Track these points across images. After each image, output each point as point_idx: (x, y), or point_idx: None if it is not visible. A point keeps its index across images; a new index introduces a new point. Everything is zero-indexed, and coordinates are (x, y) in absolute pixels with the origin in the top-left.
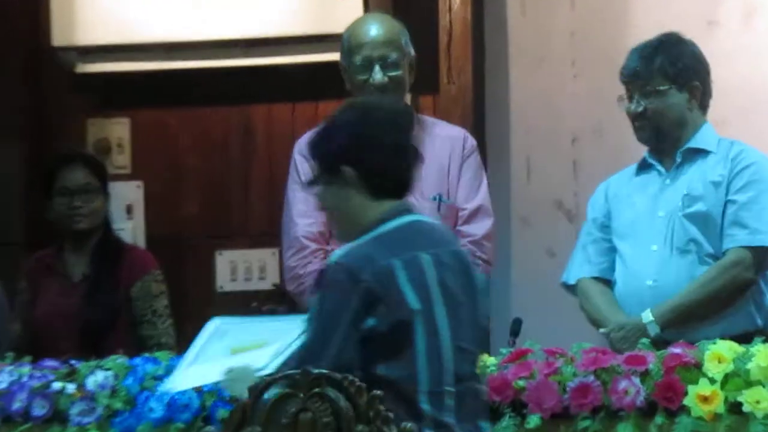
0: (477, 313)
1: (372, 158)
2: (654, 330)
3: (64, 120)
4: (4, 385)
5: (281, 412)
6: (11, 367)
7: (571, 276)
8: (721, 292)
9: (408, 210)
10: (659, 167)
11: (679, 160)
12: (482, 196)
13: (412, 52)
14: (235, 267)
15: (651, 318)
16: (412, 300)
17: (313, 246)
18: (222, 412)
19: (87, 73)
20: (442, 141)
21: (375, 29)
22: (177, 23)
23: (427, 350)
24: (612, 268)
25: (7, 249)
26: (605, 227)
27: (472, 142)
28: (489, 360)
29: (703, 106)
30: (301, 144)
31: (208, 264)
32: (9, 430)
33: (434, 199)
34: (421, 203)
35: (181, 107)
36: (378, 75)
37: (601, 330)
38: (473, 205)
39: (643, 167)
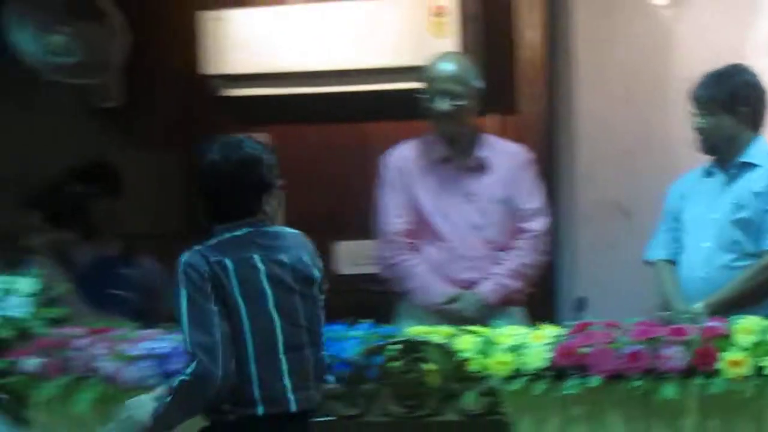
0: (313, 296)
1: (217, 193)
2: (704, 320)
3: (211, 135)
4: (165, 350)
5: (391, 371)
6: (171, 335)
7: (651, 255)
8: (759, 287)
9: (248, 224)
10: (719, 175)
11: (734, 171)
12: (539, 200)
13: (479, 84)
14: (351, 254)
15: (702, 309)
16: (237, 289)
17: (402, 240)
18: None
19: (231, 96)
20: (504, 156)
21: (447, 66)
22: (305, 55)
23: (252, 329)
24: (680, 252)
25: (167, 239)
26: (676, 219)
27: (528, 156)
28: (556, 330)
29: (756, 126)
30: (388, 156)
31: (329, 251)
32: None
33: (499, 202)
34: (490, 206)
35: (309, 124)
36: (443, 104)
37: (665, 313)
38: (532, 206)
39: (708, 174)
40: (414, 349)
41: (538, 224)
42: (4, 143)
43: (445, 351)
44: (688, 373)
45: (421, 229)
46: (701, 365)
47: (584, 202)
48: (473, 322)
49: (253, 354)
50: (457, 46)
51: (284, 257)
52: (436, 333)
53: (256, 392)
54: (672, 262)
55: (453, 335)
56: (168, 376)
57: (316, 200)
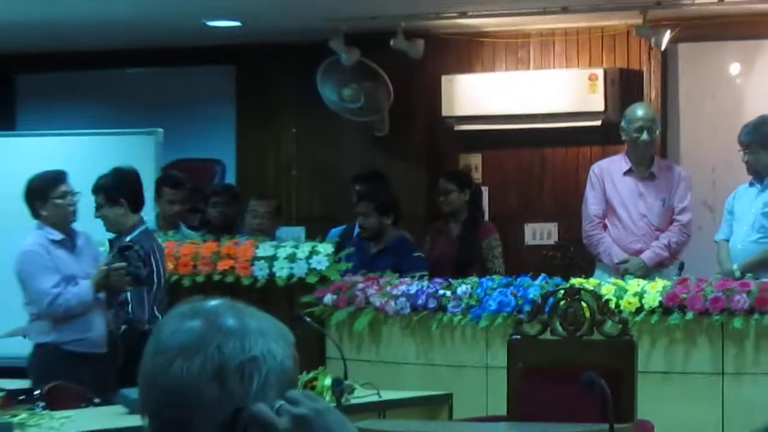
0: None
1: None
2: (738, 274)
3: (446, 156)
4: (413, 290)
5: (557, 309)
6: (417, 282)
7: (717, 237)
8: None
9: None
10: (757, 186)
11: (766, 183)
12: (687, 201)
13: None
14: (535, 233)
15: (736, 268)
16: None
17: (598, 220)
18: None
19: (460, 130)
20: (666, 171)
21: (647, 112)
22: (507, 104)
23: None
24: (732, 234)
25: (417, 223)
26: (731, 213)
27: (683, 172)
28: (664, 283)
29: None
30: (594, 167)
31: (522, 230)
32: (415, 315)
33: (663, 201)
34: (654, 202)
35: (508, 149)
36: (644, 136)
37: (721, 270)
38: (681, 205)
39: (750, 185)
40: (573, 293)
41: (684, 217)
42: (318, 157)
43: (594, 294)
44: (749, 311)
45: (609, 214)
46: (759, 306)
47: None
48: (637, 276)
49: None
50: (603, 100)
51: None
52: (589, 283)
53: None
54: (727, 241)
55: (599, 285)
56: (414, 308)
57: (512, 197)
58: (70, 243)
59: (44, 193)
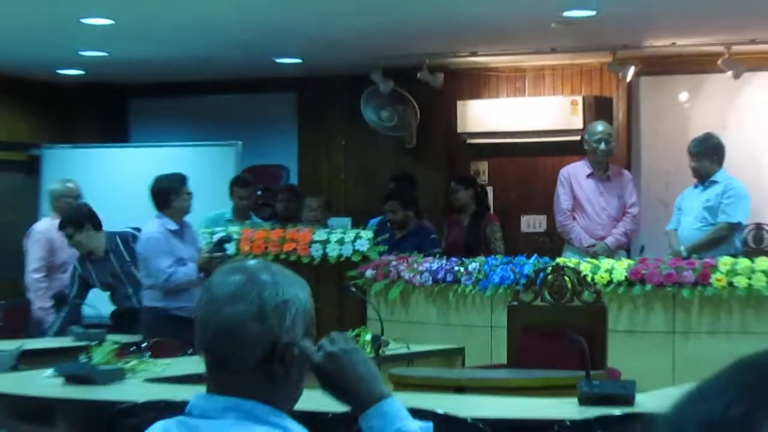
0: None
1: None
2: (685, 254)
3: (460, 163)
4: (434, 267)
5: (546, 282)
6: (438, 260)
7: (669, 227)
8: (714, 240)
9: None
10: (700, 187)
11: (707, 184)
12: (635, 198)
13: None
14: (529, 222)
15: (683, 249)
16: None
17: (569, 213)
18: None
19: (471, 143)
20: (619, 175)
21: (604, 128)
22: (507, 121)
23: None
24: (680, 225)
25: (437, 215)
26: (679, 209)
27: (629, 175)
28: (629, 261)
29: (719, 163)
30: (563, 171)
31: (518, 220)
32: (436, 287)
33: (618, 198)
34: (612, 199)
35: (508, 157)
36: (602, 146)
37: (672, 252)
38: (631, 201)
39: (695, 186)
40: (559, 269)
41: (634, 210)
42: (361, 164)
43: (574, 270)
44: (695, 284)
45: (576, 208)
46: (702, 280)
47: (646, 199)
48: (604, 256)
49: None
50: (582, 120)
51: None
52: (570, 262)
53: None
54: (676, 230)
55: (578, 263)
56: (435, 281)
57: (511, 195)
58: (181, 232)
59: (176, 191)
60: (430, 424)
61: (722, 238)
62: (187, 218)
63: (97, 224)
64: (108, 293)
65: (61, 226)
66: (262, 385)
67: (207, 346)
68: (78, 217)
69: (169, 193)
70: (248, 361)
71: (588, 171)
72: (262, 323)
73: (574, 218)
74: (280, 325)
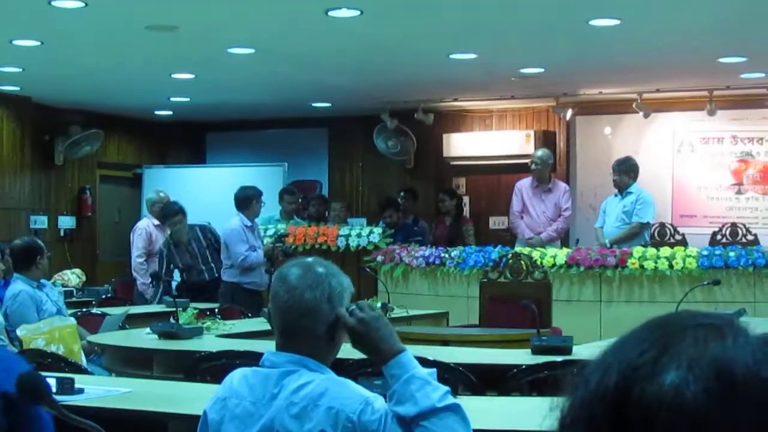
0: None
1: None
2: (608, 245)
3: (444, 179)
4: (427, 254)
5: (509, 263)
6: (425, 249)
7: (596, 225)
8: (629, 235)
9: None
10: (619, 196)
11: (624, 194)
12: (568, 204)
13: (551, 160)
14: (495, 222)
15: (607, 242)
16: None
17: (518, 214)
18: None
19: (454, 165)
20: (558, 187)
21: (539, 153)
22: (479, 149)
23: None
24: (605, 223)
25: (429, 217)
26: (604, 212)
27: (566, 187)
28: (567, 250)
29: (635, 179)
30: (516, 184)
31: (487, 220)
32: (428, 268)
33: (555, 204)
34: (550, 205)
35: (481, 175)
36: (533, 167)
37: (599, 243)
38: (565, 206)
39: (615, 195)
40: (517, 255)
41: (567, 213)
42: (373, 179)
43: (527, 256)
44: (615, 266)
45: (524, 212)
46: (620, 263)
47: (580, 204)
48: (539, 246)
49: None
50: (533, 148)
51: None
52: (524, 250)
53: None
54: (602, 227)
55: (531, 250)
56: (428, 264)
57: (482, 202)
58: (252, 228)
59: (256, 198)
60: (434, 371)
61: (635, 234)
62: None
63: (185, 216)
64: (181, 271)
65: (172, 214)
66: (319, 347)
67: (288, 320)
68: (181, 208)
69: (251, 199)
70: (318, 330)
71: (535, 184)
72: (330, 304)
73: (522, 218)
74: (339, 304)
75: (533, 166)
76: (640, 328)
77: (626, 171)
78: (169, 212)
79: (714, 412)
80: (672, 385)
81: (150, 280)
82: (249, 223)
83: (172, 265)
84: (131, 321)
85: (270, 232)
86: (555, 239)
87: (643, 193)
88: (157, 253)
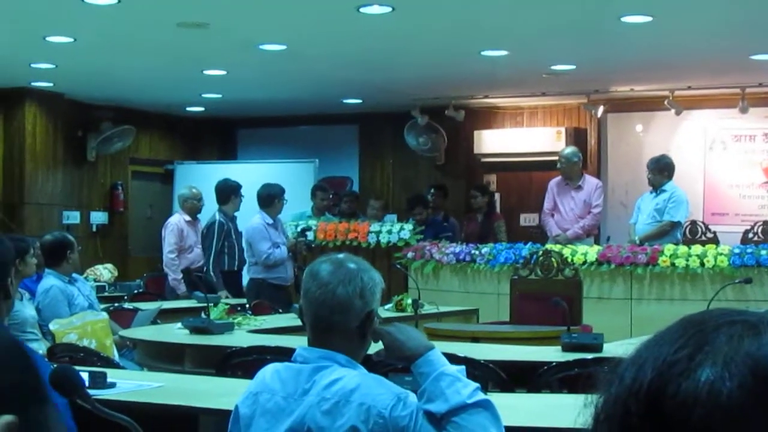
0: None
1: None
2: (639, 242)
3: (476, 176)
4: (457, 250)
5: (538, 261)
6: (454, 244)
7: (631, 221)
8: (660, 233)
9: None
10: (654, 193)
11: (659, 192)
12: (599, 201)
13: (576, 158)
14: (525, 219)
15: (637, 238)
16: None
17: (549, 212)
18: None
19: (484, 162)
20: (589, 183)
21: (567, 151)
22: (511, 145)
23: None
24: (638, 220)
25: (459, 213)
26: (638, 208)
27: (598, 183)
28: (597, 248)
29: (670, 177)
30: (551, 182)
31: (518, 217)
32: (458, 264)
33: (584, 201)
34: (580, 202)
35: (512, 172)
36: (559, 165)
37: (630, 240)
38: (595, 203)
39: (650, 192)
40: (547, 252)
41: (596, 210)
42: (404, 176)
43: (558, 253)
44: (646, 264)
45: (554, 209)
46: (651, 261)
47: (610, 202)
48: (565, 244)
49: None
50: (564, 145)
51: None
52: (555, 247)
53: None
54: (635, 224)
55: (562, 248)
56: (458, 260)
57: (513, 199)
58: (275, 224)
59: (278, 196)
60: (462, 367)
61: (666, 232)
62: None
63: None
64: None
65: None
66: (351, 342)
67: (320, 316)
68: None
69: (273, 197)
70: (350, 326)
71: (564, 182)
72: (362, 299)
73: (553, 216)
74: (371, 300)
75: (558, 165)
76: (674, 326)
77: (660, 169)
78: (232, 188)
79: (749, 407)
80: (707, 382)
81: (182, 275)
82: (271, 221)
83: (227, 243)
84: (162, 316)
85: (302, 227)
86: (581, 236)
87: (677, 192)
88: (188, 249)
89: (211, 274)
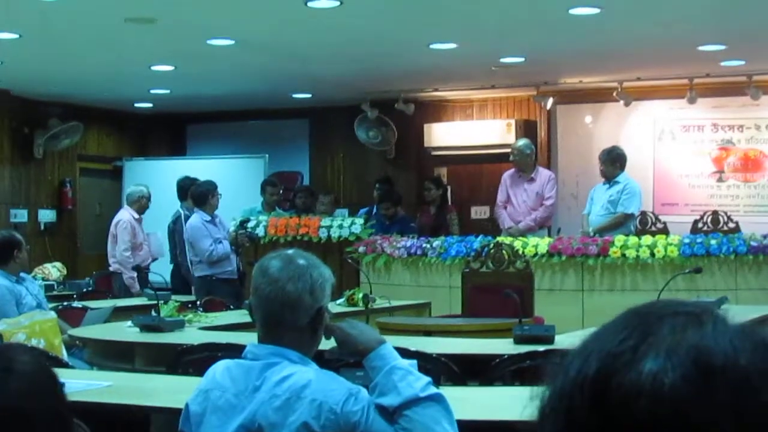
0: None
1: None
2: (591, 233)
3: (425, 169)
4: (408, 244)
5: (489, 254)
6: (410, 238)
7: (584, 212)
8: (613, 225)
9: None
10: (607, 185)
11: (611, 183)
12: (551, 193)
13: (529, 150)
14: (476, 212)
15: (591, 229)
16: None
17: (502, 204)
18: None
19: (435, 155)
20: (541, 175)
21: (518, 143)
22: (461, 138)
23: None
24: (591, 211)
25: (411, 206)
26: (591, 199)
27: (551, 175)
28: (548, 239)
29: (622, 168)
30: (503, 175)
31: (469, 210)
32: (410, 258)
33: (537, 193)
34: (532, 194)
35: (462, 165)
36: (516, 157)
37: (583, 231)
38: (548, 195)
39: (603, 184)
40: (498, 245)
41: (548, 202)
42: (354, 169)
43: (509, 246)
44: (597, 255)
45: (507, 201)
46: (602, 252)
47: (561, 193)
48: (518, 236)
49: None
50: (514, 137)
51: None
52: (506, 239)
53: None
54: (587, 214)
55: (513, 240)
56: (410, 254)
57: (464, 191)
58: (212, 221)
59: (211, 192)
60: (414, 362)
61: (619, 224)
62: (224, 210)
63: None
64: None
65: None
66: (302, 339)
67: (270, 313)
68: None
69: (207, 194)
70: (301, 322)
71: (517, 174)
72: (312, 296)
73: (506, 208)
74: (321, 296)
75: (511, 157)
76: (619, 318)
77: (612, 161)
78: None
79: (692, 398)
80: (651, 373)
81: (136, 273)
82: (208, 218)
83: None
84: (112, 314)
85: (251, 223)
86: (533, 228)
87: (631, 184)
88: (139, 246)
89: (189, 267)
